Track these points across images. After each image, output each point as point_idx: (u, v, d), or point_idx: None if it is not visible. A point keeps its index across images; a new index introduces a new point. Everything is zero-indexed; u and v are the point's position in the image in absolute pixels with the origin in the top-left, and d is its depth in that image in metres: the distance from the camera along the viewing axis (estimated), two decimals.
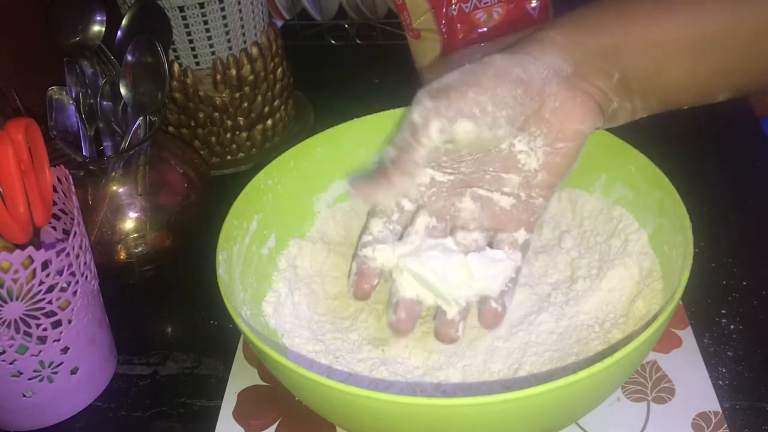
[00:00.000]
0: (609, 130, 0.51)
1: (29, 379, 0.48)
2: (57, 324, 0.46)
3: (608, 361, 0.35)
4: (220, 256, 0.46)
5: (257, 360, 0.53)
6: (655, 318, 0.40)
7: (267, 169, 0.53)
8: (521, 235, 0.46)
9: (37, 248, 0.43)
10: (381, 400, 0.36)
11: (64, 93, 0.59)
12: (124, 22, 0.61)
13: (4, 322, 0.44)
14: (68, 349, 0.48)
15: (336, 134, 0.56)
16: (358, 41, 0.90)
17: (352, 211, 0.57)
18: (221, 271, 0.45)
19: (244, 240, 0.50)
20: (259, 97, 0.71)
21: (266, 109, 0.72)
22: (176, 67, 0.66)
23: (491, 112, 0.40)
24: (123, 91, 0.59)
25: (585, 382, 0.35)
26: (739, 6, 0.40)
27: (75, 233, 0.46)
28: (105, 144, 0.61)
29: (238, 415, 0.49)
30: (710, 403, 0.47)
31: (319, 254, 0.54)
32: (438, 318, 0.45)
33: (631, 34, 0.41)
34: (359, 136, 0.56)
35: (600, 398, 0.42)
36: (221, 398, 0.51)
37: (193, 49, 0.66)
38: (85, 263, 0.48)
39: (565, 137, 0.43)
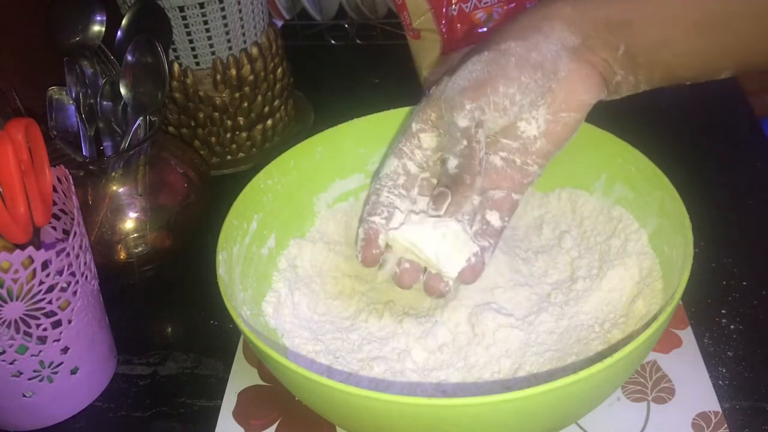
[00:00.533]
0: (609, 130, 0.52)
1: (29, 379, 0.48)
2: (57, 324, 0.46)
3: (608, 361, 0.35)
4: (220, 256, 0.46)
5: (257, 360, 0.53)
6: (655, 318, 0.40)
7: (267, 169, 0.53)
8: (511, 196, 0.47)
9: (37, 248, 0.43)
10: (381, 400, 0.36)
11: (64, 93, 0.59)
12: (124, 22, 0.61)
13: (4, 322, 0.44)
14: (68, 349, 0.48)
15: (336, 134, 0.56)
16: (358, 41, 0.90)
17: (352, 211, 0.57)
18: (221, 271, 0.45)
19: (244, 240, 0.50)
20: (259, 97, 0.71)
21: (266, 109, 0.72)
22: (176, 67, 0.66)
23: (519, 101, 0.43)
24: (123, 91, 0.59)
25: (585, 382, 0.35)
26: None
27: (75, 233, 0.46)
28: (105, 144, 0.61)
29: (238, 415, 0.49)
30: (710, 403, 0.47)
31: (319, 254, 0.54)
32: (427, 273, 0.46)
33: (638, 8, 0.42)
34: (359, 136, 0.56)
35: (600, 398, 0.42)
36: (221, 398, 0.51)
37: (193, 49, 0.66)
38: (85, 263, 0.48)
39: (569, 107, 0.44)
